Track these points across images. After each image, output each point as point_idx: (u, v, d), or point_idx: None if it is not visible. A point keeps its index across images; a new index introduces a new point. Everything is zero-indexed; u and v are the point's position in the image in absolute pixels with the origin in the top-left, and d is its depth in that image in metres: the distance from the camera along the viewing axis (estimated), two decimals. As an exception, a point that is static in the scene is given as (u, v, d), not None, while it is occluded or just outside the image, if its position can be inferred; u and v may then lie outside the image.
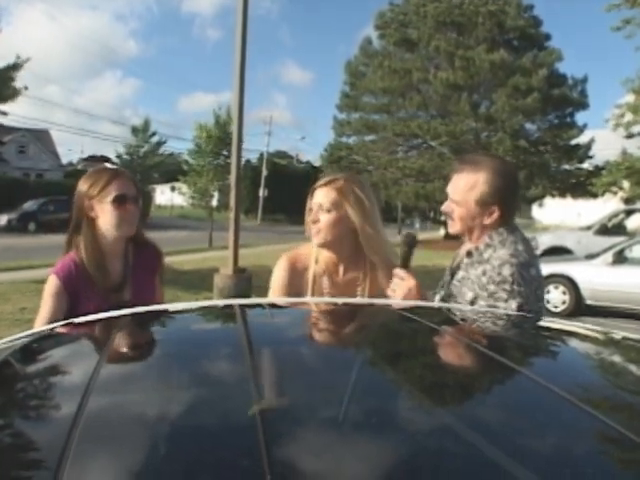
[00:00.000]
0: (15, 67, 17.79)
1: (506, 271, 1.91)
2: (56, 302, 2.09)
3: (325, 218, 2.13)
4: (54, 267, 2.16)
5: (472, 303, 1.95)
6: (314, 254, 2.21)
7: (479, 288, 1.95)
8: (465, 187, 2.00)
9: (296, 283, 2.17)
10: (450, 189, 2.07)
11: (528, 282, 1.93)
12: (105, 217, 2.14)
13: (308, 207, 2.18)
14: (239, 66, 8.73)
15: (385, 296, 2.07)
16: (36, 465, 0.63)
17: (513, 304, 1.89)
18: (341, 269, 2.21)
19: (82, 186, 2.16)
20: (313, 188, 2.18)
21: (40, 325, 1.98)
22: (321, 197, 2.14)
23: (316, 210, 2.14)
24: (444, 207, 2.10)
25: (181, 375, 0.93)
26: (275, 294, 2.18)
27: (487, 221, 2.00)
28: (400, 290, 2.02)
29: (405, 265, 2.07)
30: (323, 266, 2.20)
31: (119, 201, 2.14)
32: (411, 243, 2.11)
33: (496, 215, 1.99)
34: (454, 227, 2.08)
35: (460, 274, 2.07)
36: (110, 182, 2.15)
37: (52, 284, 2.12)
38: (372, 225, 2.15)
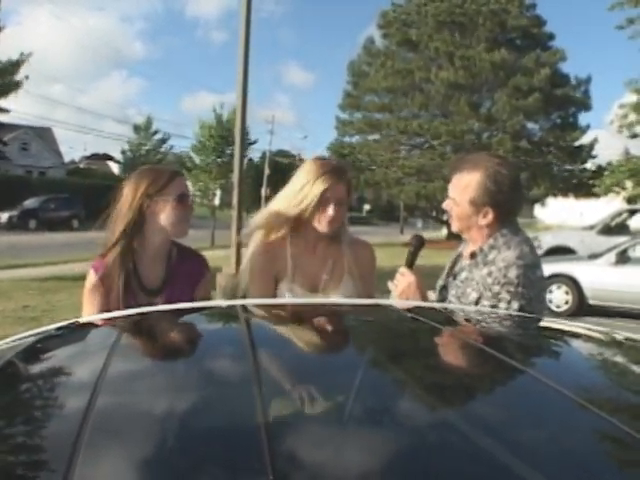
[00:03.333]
0: (17, 64, 17.85)
1: (512, 273, 1.94)
2: (98, 297, 2.07)
3: (342, 212, 2.20)
4: (93, 262, 2.12)
5: (476, 303, 1.99)
6: (287, 237, 2.23)
7: (484, 288, 1.99)
8: (461, 187, 2.07)
9: (274, 267, 2.20)
10: (450, 188, 2.13)
11: (533, 284, 1.97)
12: (165, 214, 2.08)
13: (322, 199, 2.14)
14: (242, 67, 8.78)
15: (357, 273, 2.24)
16: (46, 463, 0.64)
17: (515, 305, 1.93)
18: (313, 249, 2.26)
19: (138, 183, 2.09)
20: (332, 183, 2.15)
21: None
22: (340, 192, 2.17)
23: (335, 206, 2.16)
24: (444, 205, 2.17)
25: (186, 375, 0.93)
26: (255, 280, 2.20)
27: (482, 222, 2.05)
28: (400, 285, 2.13)
29: (410, 264, 2.18)
30: (299, 248, 2.23)
31: (182, 199, 2.11)
32: (417, 244, 2.22)
33: (491, 216, 2.03)
34: (453, 225, 2.15)
35: (463, 275, 2.12)
36: (173, 179, 2.11)
37: (90, 279, 2.09)
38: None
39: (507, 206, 2.06)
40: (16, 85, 17.96)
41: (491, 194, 2.01)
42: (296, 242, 2.23)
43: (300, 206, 2.14)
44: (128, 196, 2.09)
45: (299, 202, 2.14)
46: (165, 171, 2.16)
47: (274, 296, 2.18)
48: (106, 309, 2.00)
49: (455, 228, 2.15)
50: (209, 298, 2.29)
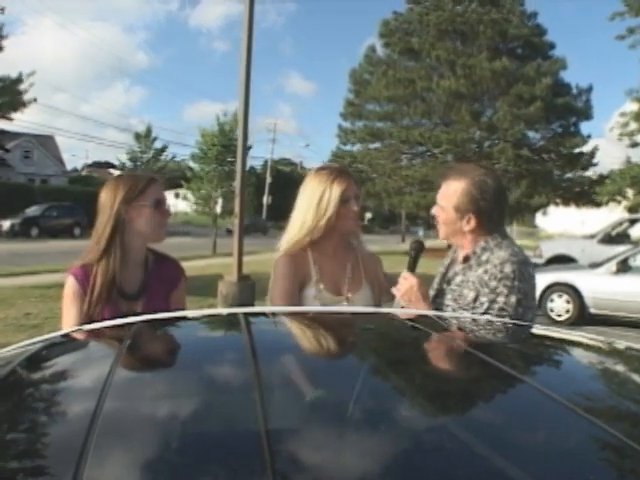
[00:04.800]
0: (18, 81, 18.03)
1: (508, 268, 2.03)
2: (77, 303, 2.06)
3: (357, 207, 2.29)
4: (71, 268, 2.11)
5: (474, 301, 2.07)
6: (307, 244, 2.27)
7: (480, 285, 2.07)
8: (447, 194, 2.17)
9: (298, 273, 2.24)
10: (438, 195, 2.24)
11: (527, 279, 2.07)
12: (142, 221, 2.10)
13: (343, 198, 2.22)
14: (244, 76, 8.82)
15: (372, 273, 2.34)
16: (55, 467, 0.65)
17: (513, 298, 2.01)
18: (333, 256, 2.31)
19: (115, 190, 2.11)
20: (347, 184, 2.25)
21: (68, 327, 1.95)
22: (355, 188, 2.28)
23: (356, 200, 2.26)
24: (432, 210, 2.25)
25: (190, 382, 0.94)
26: (279, 283, 2.22)
27: (466, 228, 2.14)
28: (403, 287, 2.18)
29: (411, 269, 2.23)
30: (320, 253, 2.28)
31: (158, 205, 2.13)
32: (418, 249, 2.27)
33: (473, 223, 2.12)
34: (440, 231, 2.24)
35: (458, 279, 2.19)
36: (149, 185, 2.12)
37: (70, 285, 2.08)
38: None
39: (489, 214, 2.14)
40: (22, 104, 18.07)
41: (474, 202, 2.10)
42: (317, 247, 2.28)
43: (327, 214, 2.22)
44: (106, 204, 2.11)
45: (324, 212, 2.22)
46: (141, 178, 2.18)
47: (298, 300, 2.20)
48: (86, 317, 2.01)
49: (441, 234, 2.24)
50: (184, 303, 2.31)
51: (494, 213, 2.16)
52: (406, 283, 2.18)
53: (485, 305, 2.03)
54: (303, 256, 2.26)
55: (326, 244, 2.27)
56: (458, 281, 2.18)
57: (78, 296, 2.06)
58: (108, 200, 2.11)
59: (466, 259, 2.17)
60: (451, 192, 2.14)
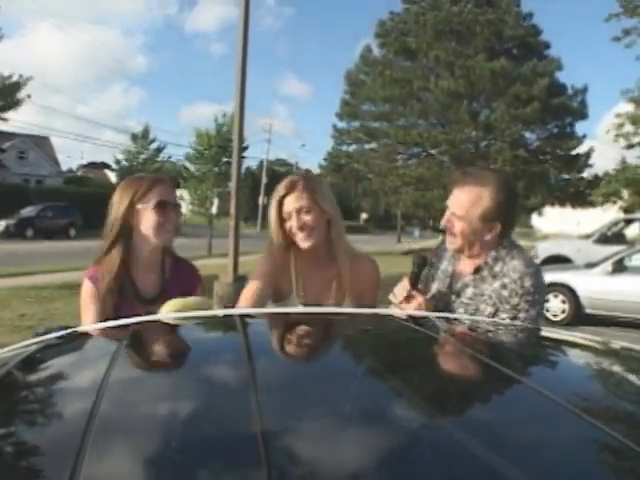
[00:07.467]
0: (17, 85, 18.00)
1: (527, 283, 1.97)
2: (96, 304, 2.07)
3: (310, 220, 2.12)
4: (86, 272, 2.14)
5: (493, 316, 1.99)
6: (292, 256, 2.23)
7: (499, 302, 1.99)
8: (468, 202, 2.00)
9: (276, 277, 2.21)
10: (452, 203, 2.06)
11: (543, 288, 2.04)
12: (146, 224, 2.10)
13: (277, 216, 2.16)
14: (240, 78, 8.89)
15: (356, 290, 2.19)
16: (52, 468, 0.64)
17: (533, 312, 1.97)
18: (317, 267, 2.23)
19: (122, 193, 2.12)
20: (281, 197, 2.15)
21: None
22: (295, 201, 2.12)
23: (297, 215, 2.12)
24: (445, 221, 2.09)
25: (185, 384, 0.94)
26: (254, 281, 2.22)
27: (488, 237, 2.03)
28: (411, 307, 2.05)
29: (414, 285, 2.10)
30: (302, 266, 2.23)
31: (160, 207, 2.11)
32: (421, 264, 2.13)
33: (497, 231, 2.02)
34: (454, 243, 2.08)
35: (469, 292, 2.08)
36: (152, 188, 2.11)
37: (87, 288, 2.10)
38: (339, 216, 2.22)
39: (511, 220, 2.08)
40: (17, 103, 18.03)
41: (502, 208, 2.00)
42: (300, 260, 2.22)
43: (272, 230, 2.19)
44: (115, 206, 2.12)
45: (271, 227, 2.19)
46: (147, 179, 2.17)
47: (266, 297, 2.19)
48: (103, 317, 2.01)
49: (455, 246, 2.09)
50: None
51: (514, 218, 2.10)
52: (414, 302, 2.06)
53: (506, 322, 1.95)
54: (285, 266, 2.22)
55: (306, 256, 2.21)
56: (470, 294, 2.07)
57: (95, 298, 2.08)
58: (116, 202, 2.12)
59: (477, 270, 2.06)
60: (473, 200, 1.99)
